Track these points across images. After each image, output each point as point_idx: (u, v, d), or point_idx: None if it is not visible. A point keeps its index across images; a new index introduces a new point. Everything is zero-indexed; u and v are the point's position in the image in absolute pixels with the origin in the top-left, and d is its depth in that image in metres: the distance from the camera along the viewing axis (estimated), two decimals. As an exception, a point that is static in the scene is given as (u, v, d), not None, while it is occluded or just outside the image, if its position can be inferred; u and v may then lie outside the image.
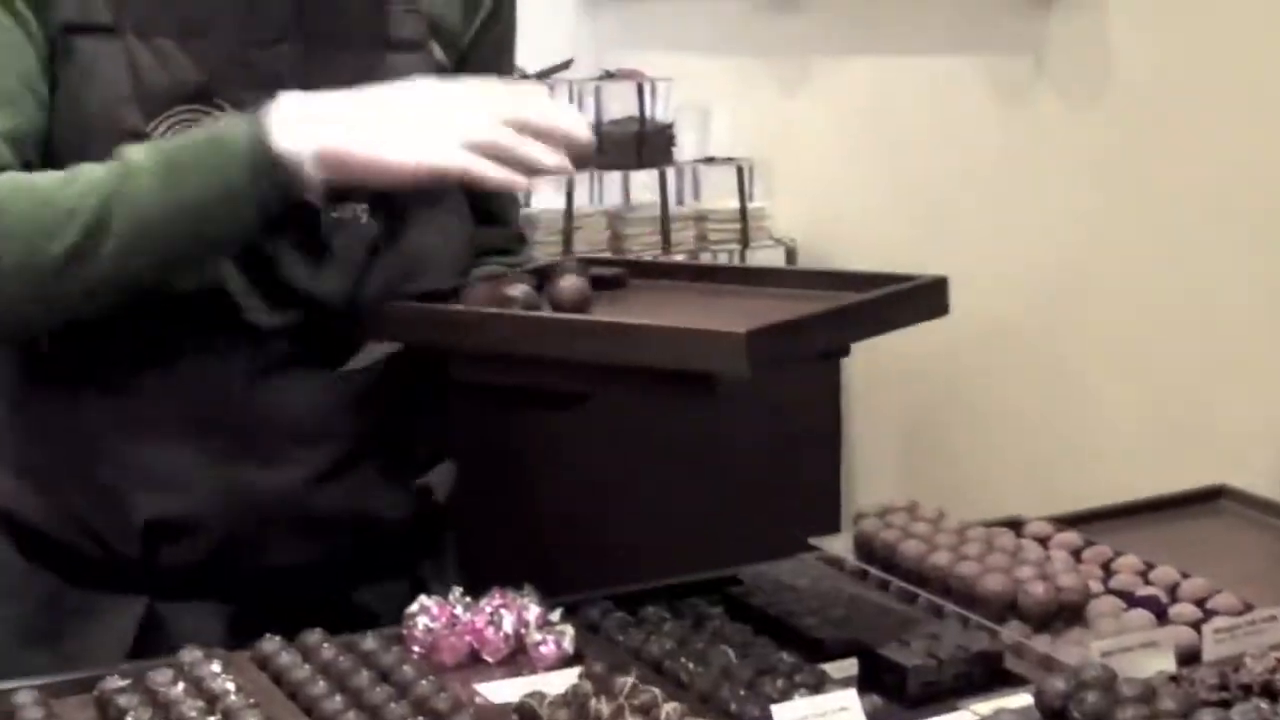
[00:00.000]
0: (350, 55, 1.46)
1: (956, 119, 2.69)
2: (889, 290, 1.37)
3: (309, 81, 1.41)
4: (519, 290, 1.38)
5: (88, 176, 1.32)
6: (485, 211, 1.63)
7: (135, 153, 1.32)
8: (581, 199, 2.94)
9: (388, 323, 1.41)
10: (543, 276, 1.45)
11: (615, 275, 1.52)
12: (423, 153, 1.30)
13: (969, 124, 2.66)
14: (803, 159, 3.04)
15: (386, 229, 1.47)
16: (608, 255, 2.81)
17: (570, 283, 1.39)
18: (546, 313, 1.36)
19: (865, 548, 1.54)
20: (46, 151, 1.39)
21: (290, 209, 1.34)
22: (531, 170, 1.32)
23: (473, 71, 1.57)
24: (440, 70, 1.52)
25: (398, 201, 1.46)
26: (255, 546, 1.46)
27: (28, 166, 1.37)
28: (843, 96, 2.94)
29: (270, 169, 1.30)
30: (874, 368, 2.79)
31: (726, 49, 3.18)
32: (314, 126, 1.31)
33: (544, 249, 2.81)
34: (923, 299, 1.39)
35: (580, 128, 1.34)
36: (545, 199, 2.87)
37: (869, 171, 2.90)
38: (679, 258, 2.93)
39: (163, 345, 1.42)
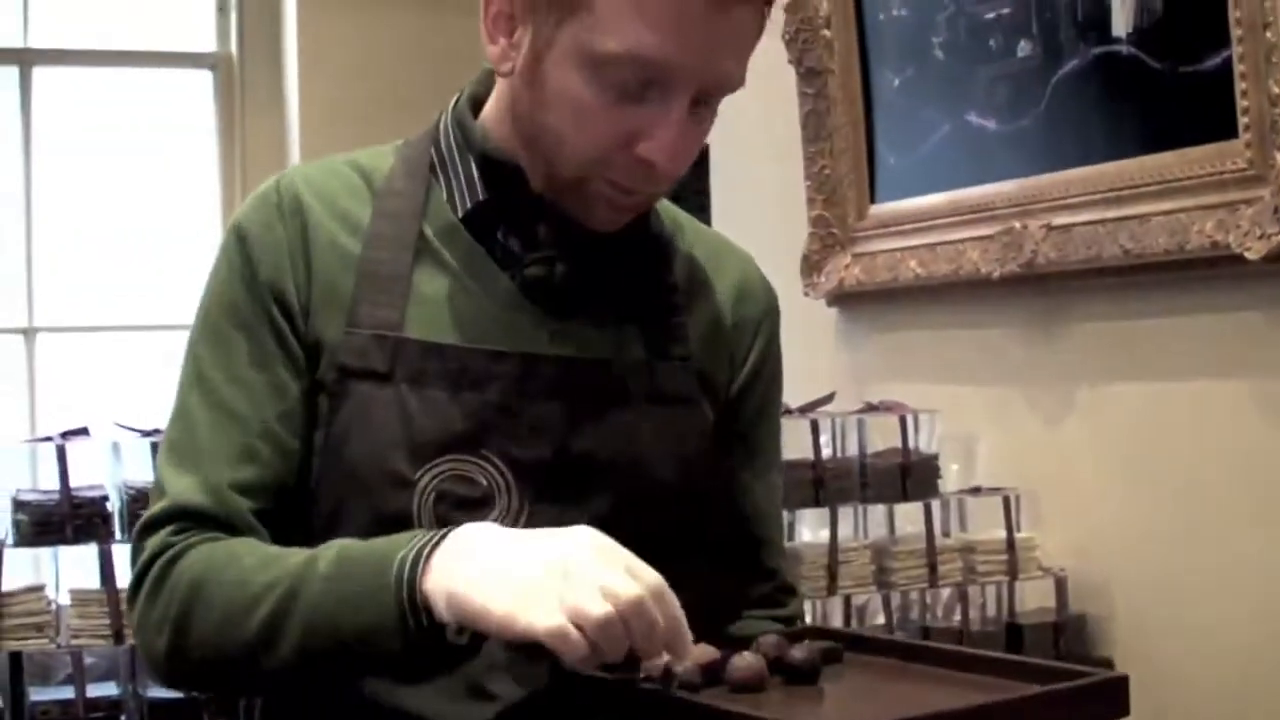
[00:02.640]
0: (619, 410, 1.49)
1: (1226, 444, 2.63)
2: (1052, 689, 1.26)
3: (575, 435, 1.44)
4: (682, 666, 1.31)
5: (281, 566, 1.34)
6: (746, 560, 1.63)
7: (325, 552, 1.34)
8: (846, 532, 2.93)
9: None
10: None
11: (809, 660, 1.44)
12: (526, 615, 1.21)
13: (1240, 449, 2.60)
14: (1070, 487, 2.99)
15: None
16: (835, 627, 2.81)
17: (745, 663, 1.32)
18: (677, 693, 1.28)
19: None
20: (309, 492, 1.44)
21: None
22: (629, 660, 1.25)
23: (733, 428, 1.58)
24: (708, 425, 1.54)
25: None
26: None
27: (263, 514, 1.43)
28: (1109, 423, 2.90)
29: (414, 608, 1.27)
30: (1155, 691, 2.68)
31: (990, 378, 3.17)
32: (458, 567, 1.26)
33: (808, 584, 2.80)
34: (1095, 699, 1.27)
35: (681, 650, 1.25)
36: (809, 533, 2.87)
37: (1138, 499, 2.83)
38: (943, 588, 2.89)
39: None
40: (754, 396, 1.61)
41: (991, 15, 3.06)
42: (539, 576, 1.23)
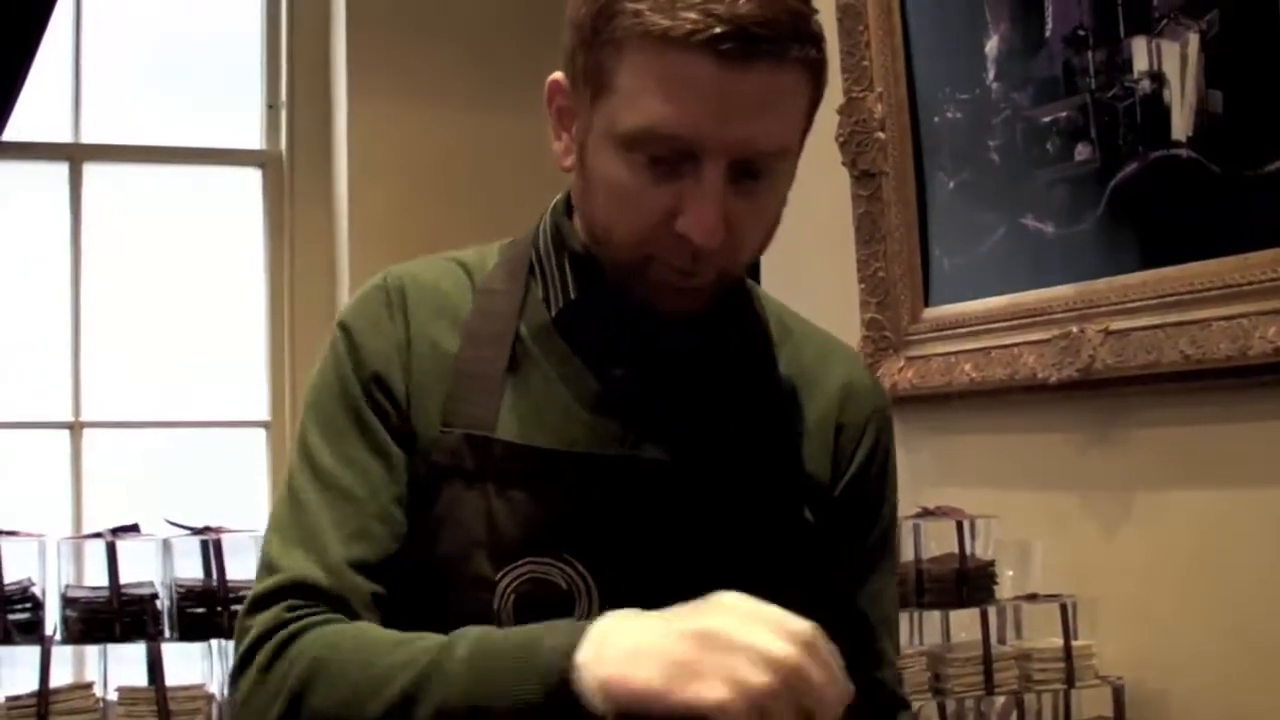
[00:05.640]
0: (707, 513, 1.46)
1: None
2: None
3: (657, 538, 1.42)
4: None
5: (415, 647, 1.33)
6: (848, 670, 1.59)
7: (462, 638, 1.32)
8: (901, 638, 2.88)
9: None
10: None
11: None
12: (687, 688, 1.21)
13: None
14: (1129, 595, 2.95)
15: None
16: None
17: None
18: None
19: None
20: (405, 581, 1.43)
21: None
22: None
23: (835, 532, 1.55)
24: (806, 530, 1.51)
25: None
26: None
27: (376, 597, 1.41)
28: (1168, 530, 2.86)
29: (562, 697, 1.25)
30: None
31: (1046, 484, 3.14)
32: (606, 654, 1.25)
33: (864, 690, 2.75)
34: None
35: (834, 700, 1.23)
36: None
37: (1199, 608, 2.79)
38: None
39: None
40: (857, 499, 1.58)
41: (1048, 119, 3.05)
42: (693, 650, 1.21)
